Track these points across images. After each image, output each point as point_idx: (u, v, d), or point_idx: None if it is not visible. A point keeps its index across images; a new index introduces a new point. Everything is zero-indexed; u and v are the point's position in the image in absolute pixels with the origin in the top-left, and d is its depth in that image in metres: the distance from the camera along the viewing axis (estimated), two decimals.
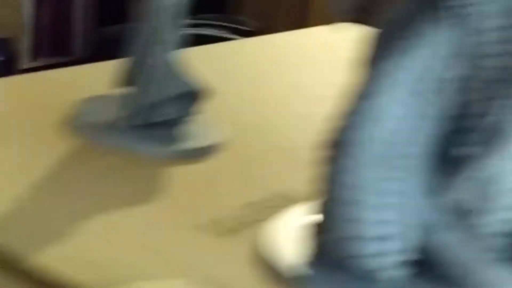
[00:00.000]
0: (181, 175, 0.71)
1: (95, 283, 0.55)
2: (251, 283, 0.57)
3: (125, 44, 0.74)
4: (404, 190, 0.53)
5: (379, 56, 0.52)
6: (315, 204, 0.57)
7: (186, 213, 0.65)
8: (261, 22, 2.26)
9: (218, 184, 0.71)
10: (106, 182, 0.69)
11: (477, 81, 0.52)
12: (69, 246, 0.59)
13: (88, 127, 0.75)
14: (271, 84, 0.97)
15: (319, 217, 0.56)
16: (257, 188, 0.70)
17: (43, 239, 0.59)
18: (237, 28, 2.26)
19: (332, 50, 1.09)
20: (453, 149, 0.54)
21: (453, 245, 0.54)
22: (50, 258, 0.57)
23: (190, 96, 0.74)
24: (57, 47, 2.25)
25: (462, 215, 0.55)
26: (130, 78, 0.74)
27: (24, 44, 2.19)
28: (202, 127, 0.77)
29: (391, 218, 0.53)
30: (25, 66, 2.17)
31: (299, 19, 2.21)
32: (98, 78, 0.81)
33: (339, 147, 0.53)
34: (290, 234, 0.60)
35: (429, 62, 0.51)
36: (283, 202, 0.67)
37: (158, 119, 0.74)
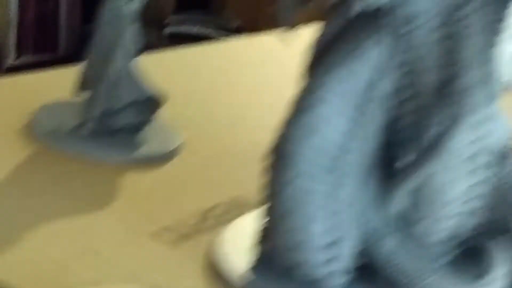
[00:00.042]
0: (138, 182, 0.72)
1: None
2: None
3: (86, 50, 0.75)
4: (348, 199, 0.54)
5: (319, 68, 0.52)
6: (262, 211, 0.57)
7: (140, 219, 0.66)
8: (245, 20, 2.26)
9: (175, 190, 0.71)
10: (63, 188, 0.69)
11: (417, 94, 0.52)
12: (20, 253, 0.59)
13: (47, 133, 0.75)
14: (234, 87, 0.98)
15: (265, 225, 0.57)
16: (213, 194, 0.70)
17: None
18: (220, 25, 2.26)
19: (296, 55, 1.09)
20: (395, 160, 0.54)
21: (398, 252, 0.55)
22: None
23: (149, 102, 0.75)
24: (41, 44, 2.25)
25: (407, 224, 0.55)
26: (89, 84, 0.74)
27: (9, 41, 2.19)
28: (160, 133, 0.77)
29: (336, 227, 0.54)
30: (9, 63, 2.17)
31: None
32: (60, 83, 0.81)
33: (281, 158, 0.53)
34: (241, 242, 0.61)
35: (368, 75, 0.52)
36: (239, 208, 0.68)
37: (117, 125, 0.74)
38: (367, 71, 0.51)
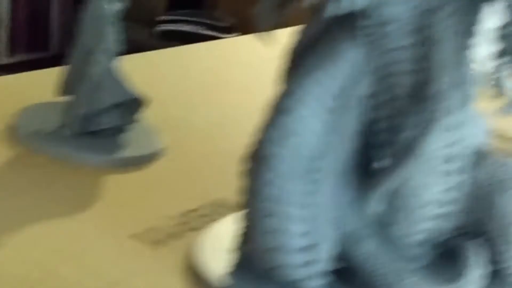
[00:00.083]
0: (120, 184, 0.72)
1: None
2: None
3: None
4: (325, 202, 0.54)
5: (297, 71, 0.52)
6: (241, 214, 0.57)
7: (122, 222, 0.66)
8: (237, 18, 2.26)
9: (156, 192, 0.72)
10: (45, 190, 0.69)
11: (391, 98, 0.52)
12: (0, 254, 0.59)
13: (29, 135, 0.75)
14: (224, 88, 0.98)
15: (244, 227, 0.57)
16: (194, 196, 0.71)
17: None
18: (212, 24, 2.26)
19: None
20: (372, 163, 0.54)
21: (375, 254, 0.55)
22: None
23: (131, 104, 0.75)
24: (33, 43, 2.25)
25: (384, 226, 0.55)
26: (71, 86, 0.75)
27: (1, 40, 2.19)
28: (143, 135, 0.77)
29: (314, 229, 0.54)
30: (1, 62, 2.17)
31: None
32: (43, 85, 0.81)
33: (259, 159, 0.53)
34: (221, 244, 0.61)
35: (345, 78, 0.52)
36: (220, 210, 0.68)
37: (99, 128, 0.74)
38: (342, 73, 0.51)
